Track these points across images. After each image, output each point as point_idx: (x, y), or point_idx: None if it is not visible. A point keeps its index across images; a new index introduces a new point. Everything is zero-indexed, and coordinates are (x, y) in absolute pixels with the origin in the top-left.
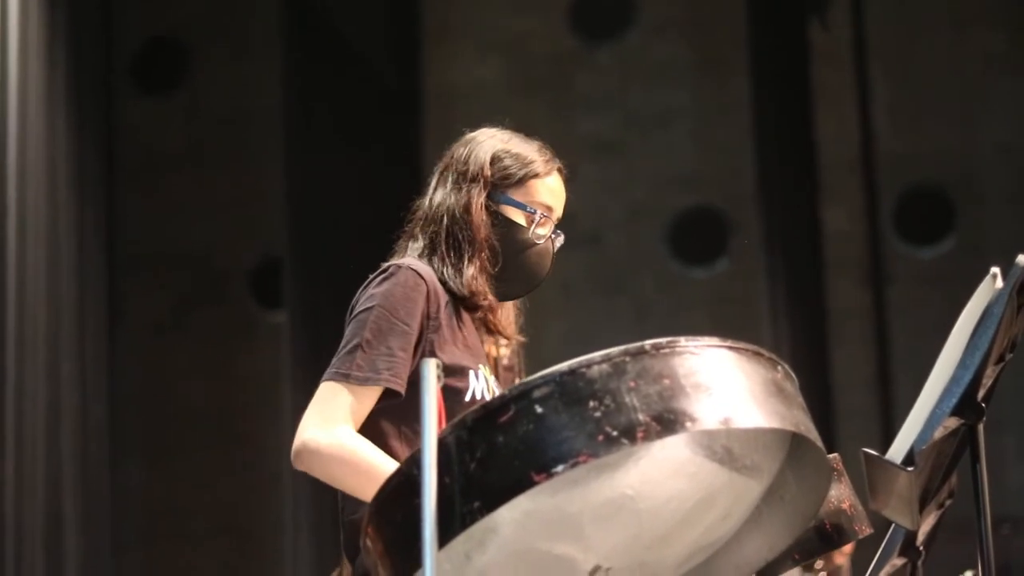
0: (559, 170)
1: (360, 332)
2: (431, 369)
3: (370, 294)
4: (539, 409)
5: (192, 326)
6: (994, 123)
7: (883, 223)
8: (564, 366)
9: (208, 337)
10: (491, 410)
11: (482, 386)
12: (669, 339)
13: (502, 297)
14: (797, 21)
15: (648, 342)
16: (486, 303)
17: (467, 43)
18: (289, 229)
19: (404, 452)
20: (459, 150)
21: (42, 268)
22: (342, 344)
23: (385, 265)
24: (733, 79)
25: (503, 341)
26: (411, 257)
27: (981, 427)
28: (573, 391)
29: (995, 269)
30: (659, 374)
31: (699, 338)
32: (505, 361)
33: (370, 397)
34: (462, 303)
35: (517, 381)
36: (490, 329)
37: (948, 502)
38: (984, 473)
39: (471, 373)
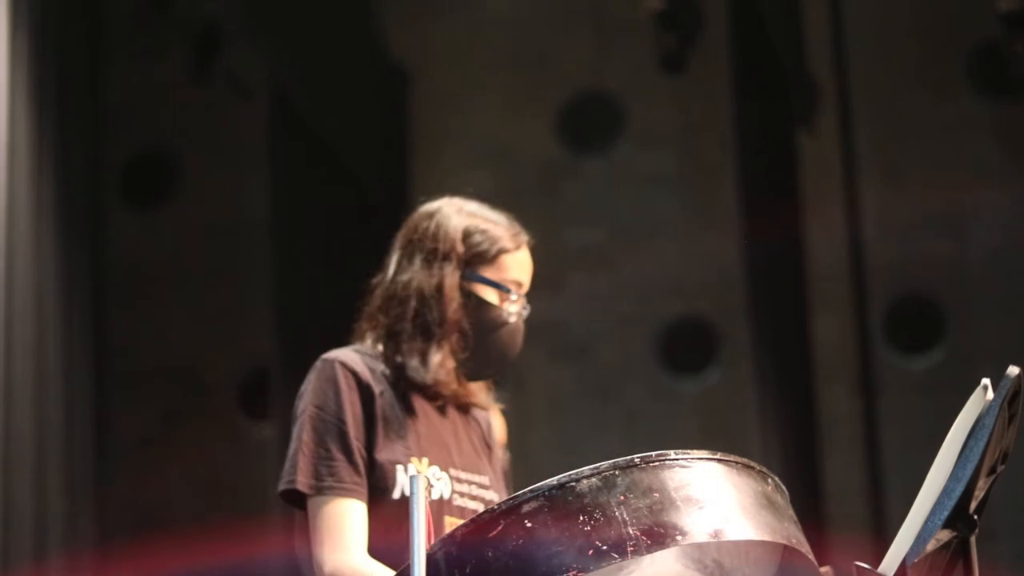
0: (527, 242)
1: (300, 437)
2: (421, 484)
3: (303, 395)
4: (528, 523)
5: (179, 439)
6: (984, 232)
7: (873, 332)
8: (553, 480)
9: (195, 450)
10: (480, 524)
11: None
12: (658, 452)
13: (474, 378)
14: (785, 130)
15: (637, 455)
16: (448, 392)
17: (455, 153)
18: (276, 342)
19: None
20: (423, 223)
21: (29, 381)
22: (290, 451)
23: (316, 361)
24: (721, 188)
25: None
26: (350, 347)
27: (973, 539)
28: (562, 505)
29: (986, 380)
30: (649, 487)
31: (688, 451)
32: None
33: (332, 504)
34: (422, 392)
35: (505, 479)
36: (463, 406)
37: None
38: None
39: (398, 469)
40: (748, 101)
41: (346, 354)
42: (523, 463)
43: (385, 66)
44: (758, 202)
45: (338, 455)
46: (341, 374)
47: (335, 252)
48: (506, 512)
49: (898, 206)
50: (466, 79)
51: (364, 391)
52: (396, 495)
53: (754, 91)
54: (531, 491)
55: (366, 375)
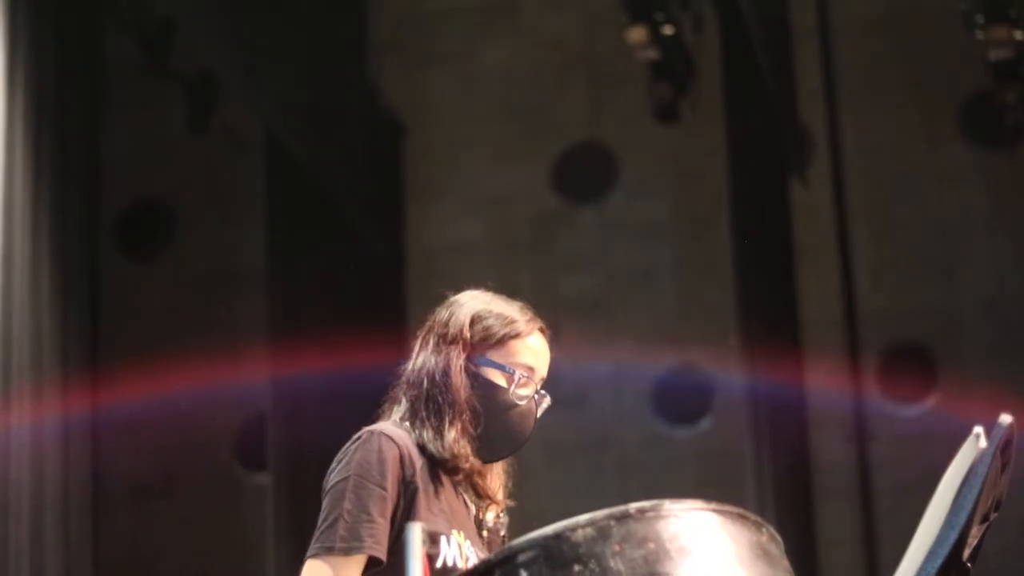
0: (541, 330)
1: (339, 503)
2: (416, 534)
3: (344, 464)
4: (524, 573)
5: (177, 489)
6: (975, 279)
7: (866, 380)
8: (549, 530)
9: (193, 500)
10: (477, 575)
11: (454, 552)
12: (653, 502)
13: (486, 459)
14: (778, 179)
15: (633, 505)
16: (467, 466)
17: (450, 203)
18: (273, 392)
19: None
20: (441, 313)
21: (27, 431)
22: (322, 518)
23: (358, 433)
24: (715, 237)
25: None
26: (389, 422)
27: None
28: (558, 555)
29: (978, 429)
30: (644, 538)
31: (683, 501)
32: (490, 524)
33: (356, 566)
34: (442, 466)
35: (503, 542)
36: (478, 492)
37: None
38: None
39: (442, 539)
40: (741, 151)
41: (389, 428)
42: (518, 513)
43: (380, 117)
44: (751, 251)
45: (379, 519)
46: (386, 446)
47: (331, 301)
48: (501, 561)
49: (890, 255)
50: (461, 130)
51: (407, 464)
52: (439, 564)
53: (747, 141)
54: (527, 541)
55: (408, 448)
